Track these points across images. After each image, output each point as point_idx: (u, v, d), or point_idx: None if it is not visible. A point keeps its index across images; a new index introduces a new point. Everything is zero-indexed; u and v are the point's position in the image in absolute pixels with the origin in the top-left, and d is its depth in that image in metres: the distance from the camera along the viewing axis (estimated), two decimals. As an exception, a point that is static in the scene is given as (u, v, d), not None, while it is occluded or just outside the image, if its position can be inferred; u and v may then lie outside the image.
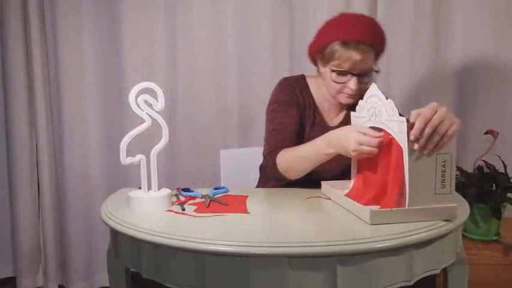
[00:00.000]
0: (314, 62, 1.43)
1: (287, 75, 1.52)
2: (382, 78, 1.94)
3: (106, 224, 1.15)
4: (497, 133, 1.74)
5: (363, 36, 1.28)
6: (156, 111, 1.21)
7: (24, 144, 2.03)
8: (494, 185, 1.63)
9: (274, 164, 1.33)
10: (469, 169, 1.72)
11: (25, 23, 1.96)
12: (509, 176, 1.64)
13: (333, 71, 1.32)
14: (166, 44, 1.96)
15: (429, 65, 1.92)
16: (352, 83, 1.31)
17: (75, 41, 1.96)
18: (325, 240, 0.95)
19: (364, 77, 1.32)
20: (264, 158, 1.40)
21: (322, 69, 1.39)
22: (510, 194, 1.61)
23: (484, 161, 1.70)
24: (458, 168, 1.74)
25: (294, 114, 1.41)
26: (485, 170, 1.67)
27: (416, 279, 1.02)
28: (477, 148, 1.78)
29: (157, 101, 1.21)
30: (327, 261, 0.95)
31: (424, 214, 1.04)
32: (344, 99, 1.37)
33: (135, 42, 1.96)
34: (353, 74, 1.30)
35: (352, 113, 1.24)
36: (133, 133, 1.20)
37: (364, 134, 1.11)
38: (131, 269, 1.18)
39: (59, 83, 1.99)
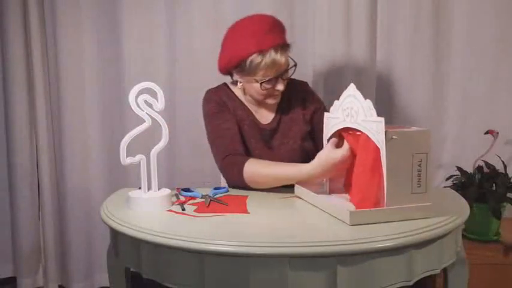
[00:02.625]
0: (227, 73, 1.45)
1: None
2: (383, 78, 1.94)
3: (106, 224, 1.15)
4: (497, 133, 1.74)
5: (277, 39, 1.31)
6: (156, 111, 1.21)
7: (24, 144, 2.03)
8: (494, 185, 1.63)
9: (240, 173, 1.31)
10: (469, 169, 1.72)
11: (25, 23, 1.96)
12: (509, 176, 1.65)
13: (260, 82, 1.34)
14: (166, 44, 1.96)
15: (429, 65, 1.92)
16: (279, 85, 1.35)
17: (75, 40, 1.96)
18: (325, 240, 0.95)
19: (287, 73, 1.36)
20: (221, 165, 1.38)
21: (241, 79, 1.39)
22: (510, 194, 1.61)
23: (484, 161, 1.70)
24: (458, 169, 1.74)
25: (229, 117, 1.43)
26: (485, 170, 1.67)
27: (416, 279, 1.02)
28: (477, 148, 1.78)
29: (157, 101, 1.21)
30: (327, 261, 0.95)
31: (402, 213, 1.05)
32: (272, 100, 1.41)
33: (135, 42, 1.96)
34: (283, 78, 1.34)
35: (326, 115, 1.25)
36: (133, 133, 1.20)
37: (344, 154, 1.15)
38: (131, 269, 1.18)
39: (59, 83, 1.98)
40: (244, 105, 1.48)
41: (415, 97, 1.93)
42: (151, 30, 1.96)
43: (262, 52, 1.30)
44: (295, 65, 1.37)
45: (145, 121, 1.20)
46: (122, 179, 1.96)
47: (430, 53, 1.90)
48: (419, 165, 1.06)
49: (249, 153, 1.42)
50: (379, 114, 1.05)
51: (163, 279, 1.04)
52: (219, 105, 1.45)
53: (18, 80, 1.98)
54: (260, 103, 1.47)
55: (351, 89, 1.14)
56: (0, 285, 2.13)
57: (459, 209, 1.14)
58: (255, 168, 1.30)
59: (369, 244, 0.95)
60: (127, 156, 1.20)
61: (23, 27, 1.96)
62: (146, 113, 1.20)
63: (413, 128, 1.11)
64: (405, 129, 1.08)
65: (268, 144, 1.46)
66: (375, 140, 1.05)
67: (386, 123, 1.03)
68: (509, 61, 1.89)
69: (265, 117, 1.49)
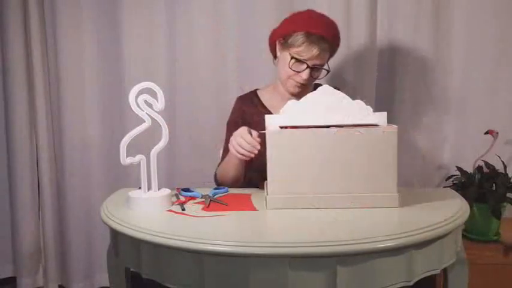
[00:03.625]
0: (273, 47, 1.52)
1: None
2: (384, 78, 1.94)
3: (106, 224, 1.15)
4: (497, 133, 1.74)
5: (326, 33, 1.40)
6: (156, 111, 1.21)
7: (24, 144, 2.03)
8: (494, 185, 1.63)
9: (216, 180, 1.52)
10: (469, 169, 1.72)
11: (25, 23, 1.96)
12: (509, 176, 1.64)
13: (292, 57, 1.41)
14: (166, 44, 1.96)
15: (429, 65, 1.92)
16: (305, 73, 1.41)
17: (75, 40, 1.95)
18: (325, 240, 0.95)
19: (316, 71, 1.44)
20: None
21: (279, 54, 1.47)
22: (510, 194, 1.61)
23: (484, 161, 1.70)
24: (458, 169, 1.74)
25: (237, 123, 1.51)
26: (485, 170, 1.67)
27: (416, 279, 1.02)
28: (477, 148, 1.78)
29: (157, 101, 1.21)
30: (327, 261, 0.95)
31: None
32: (293, 87, 1.47)
33: (135, 42, 1.96)
34: (308, 66, 1.40)
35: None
36: (133, 133, 1.20)
37: (244, 138, 1.24)
38: (131, 269, 1.18)
39: (59, 83, 1.98)
40: (267, 110, 1.53)
41: (416, 96, 1.93)
42: (151, 30, 1.96)
43: (308, 33, 1.38)
44: (328, 72, 1.46)
45: (145, 121, 1.21)
46: (122, 179, 1.96)
47: (430, 53, 1.90)
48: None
49: (263, 158, 1.46)
50: (380, 109, 1.09)
51: (163, 279, 1.04)
52: (237, 118, 1.55)
53: (18, 80, 1.98)
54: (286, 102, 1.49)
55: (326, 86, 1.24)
56: (0, 285, 2.13)
57: (459, 209, 1.14)
58: (218, 172, 1.51)
59: (369, 244, 0.95)
60: (127, 156, 1.20)
61: (23, 27, 1.96)
62: (146, 113, 1.20)
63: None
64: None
65: None
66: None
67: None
68: (509, 61, 1.88)
69: None
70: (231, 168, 1.43)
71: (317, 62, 1.41)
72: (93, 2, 1.94)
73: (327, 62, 1.46)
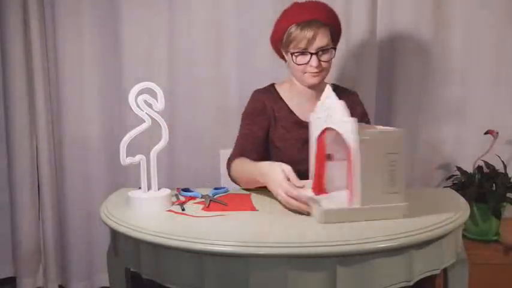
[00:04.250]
0: (279, 54, 1.51)
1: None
2: (384, 77, 1.94)
3: (106, 224, 1.15)
4: (497, 133, 1.74)
5: (314, 15, 1.39)
6: (156, 111, 1.21)
7: (24, 144, 2.03)
8: (494, 185, 1.63)
9: (229, 171, 1.44)
10: (469, 169, 1.72)
11: (25, 23, 1.96)
12: (509, 176, 1.65)
13: (293, 53, 1.40)
14: (167, 44, 1.96)
15: (429, 65, 1.92)
16: (313, 60, 1.39)
17: (75, 40, 1.95)
18: (325, 240, 0.95)
19: (322, 54, 1.40)
20: (226, 163, 1.48)
21: (286, 57, 1.46)
22: (510, 194, 1.61)
23: (484, 161, 1.70)
24: (458, 169, 1.74)
25: (260, 121, 1.49)
26: (485, 170, 1.67)
27: (416, 279, 1.02)
28: (477, 148, 1.78)
29: (157, 101, 1.21)
30: (327, 261, 0.95)
31: (374, 213, 1.07)
32: (310, 79, 1.44)
33: (135, 42, 1.96)
34: (311, 53, 1.38)
35: (311, 116, 1.27)
36: (133, 133, 1.20)
37: (288, 192, 1.13)
38: (131, 269, 1.18)
39: (59, 83, 1.98)
40: (286, 105, 1.51)
41: (416, 96, 1.93)
42: (151, 30, 1.96)
43: (297, 24, 1.38)
44: (334, 49, 1.43)
45: (145, 121, 1.21)
46: (122, 179, 1.96)
47: (430, 52, 1.90)
48: (393, 166, 1.08)
49: (282, 154, 1.47)
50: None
51: (163, 279, 1.04)
52: (257, 107, 1.51)
53: (18, 81, 1.98)
54: (303, 99, 1.50)
55: (328, 90, 1.18)
56: (0, 285, 2.13)
57: (459, 209, 1.14)
58: (235, 164, 1.41)
59: (369, 244, 0.95)
60: (127, 156, 1.20)
61: (23, 27, 1.96)
62: (146, 113, 1.20)
63: (387, 128, 1.14)
64: (378, 129, 1.12)
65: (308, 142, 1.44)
66: (348, 140, 1.08)
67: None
68: (510, 61, 1.88)
69: (310, 113, 1.46)
70: (251, 180, 1.33)
71: (319, 44, 1.38)
72: (93, 2, 1.94)
73: (333, 42, 1.43)
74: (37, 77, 1.98)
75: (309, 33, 1.36)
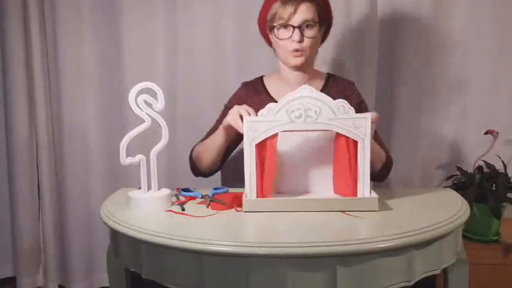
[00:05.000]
0: (267, 39, 1.48)
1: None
2: (385, 77, 1.94)
3: (106, 224, 1.15)
4: (497, 133, 1.74)
5: None
6: (156, 111, 1.21)
7: (24, 144, 2.03)
8: (494, 185, 1.63)
9: (190, 157, 1.48)
10: (469, 169, 1.72)
11: (25, 23, 1.95)
12: (509, 176, 1.64)
13: (275, 27, 1.37)
14: (167, 43, 1.96)
15: (429, 65, 1.92)
16: (295, 35, 1.34)
17: (75, 41, 1.95)
18: (325, 240, 0.95)
19: (306, 29, 1.35)
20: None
21: (272, 39, 1.43)
22: (510, 194, 1.61)
23: (484, 161, 1.70)
24: (458, 169, 1.74)
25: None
26: (485, 170, 1.67)
27: (416, 279, 1.02)
28: (477, 148, 1.78)
29: (157, 101, 1.21)
30: (327, 261, 0.95)
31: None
32: (293, 58, 1.38)
33: (135, 42, 1.96)
34: (293, 27, 1.33)
35: (246, 118, 1.19)
36: (133, 133, 1.20)
37: (247, 110, 1.23)
38: (131, 269, 1.18)
39: (59, 82, 1.98)
40: (271, 98, 1.47)
41: (416, 96, 1.93)
42: (151, 30, 1.96)
43: (281, 1, 1.34)
44: (321, 26, 1.38)
45: (145, 121, 1.21)
46: (122, 179, 1.96)
47: (430, 52, 1.90)
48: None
49: None
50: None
51: (163, 279, 1.04)
52: (236, 102, 1.46)
53: (18, 80, 1.98)
54: (292, 85, 1.43)
55: (306, 91, 1.15)
56: (0, 285, 2.13)
57: (459, 209, 1.14)
58: (196, 148, 1.47)
59: (369, 244, 0.95)
60: (127, 156, 1.20)
61: (23, 27, 1.96)
62: (146, 113, 1.21)
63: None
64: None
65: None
66: (352, 135, 1.14)
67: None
68: (510, 61, 1.88)
69: None
70: (214, 146, 1.39)
71: (302, 17, 1.33)
72: (93, 2, 1.94)
73: (320, 19, 1.38)
74: (37, 77, 1.98)
75: (291, 7, 1.32)
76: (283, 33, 1.36)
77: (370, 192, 1.17)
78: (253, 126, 1.18)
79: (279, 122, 1.16)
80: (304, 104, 1.15)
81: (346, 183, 1.18)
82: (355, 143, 1.15)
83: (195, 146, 1.50)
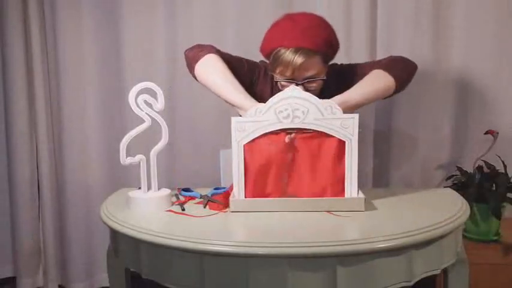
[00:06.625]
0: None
1: None
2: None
3: (106, 224, 1.15)
4: (497, 133, 1.74)
5: (305, 42, 1.24)
6: (156, 111, 1.21)
7: (24, 143, 2.03)
8: (494, 185, 1.63)
9: (198, 55, 1.37)
10: (469, 169, 1.72)
11: (25, 23, 1.96)
12: (509, 176, 1.64)
13: (275, 80, 1.34)
14: (167, 43, 1.96)
15: (429, 64, 1.92)
16: (298, 88, 1.25)
17: (75, 40, 1.95)
18: (325, 240, 0.95)
19: (309, 83, 1.29)
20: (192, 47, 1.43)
21: (272, 72, 1.37)
22: (510, 194, 1.60)
23: (484, 161, 1.70)
24: (458, 169, 1.74)
25: (243, 69, 1.42)
26: (485, 170, 1.67)
27: (416, 279, 1.02)
28: (477, 148, 1.78)
29: (157, 101, 1.21)
30: (327, 261, 0.95)
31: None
32: None
33: (135, 42, 1.96)
34: (297, 84, 1.27)
35: (234, 119, 1.19)
36: (133, 133, 1.20)
37: None
38: (131, 269, 1.18)
39: (59, 82, 1.98)
40: (271, 88, 1.44)
41: (416, 96, 1.93)
42: (152, 30, 1.96)
43: (285, 47, 1.26)
44: (324, 80, 1.32)
45: (145, 121, 1.21)
46: (122, 179, 1.96)
47: (430, 52, 1.90)
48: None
49: None
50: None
51: (163, 279, 1.04)
52: (247, 62, 1.44)
53: (19, 80, 1.98)
54: None
55: (295, 92, 1.16)
56: (0, 285, 2.13)
57: (459, 209, 1.14)
58: (210, 59, 1.35)
59: (369, 244, 0.95)
60: (127, 156, 1.20)
61: (23, 27, 1.96)
62: (146, 113, 1.21)
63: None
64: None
65: None
66: (340, 135, 1.15)
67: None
68: (510, 61, 1.88)
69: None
70: (215, 86, 1.32)
71: (305, 74, 1.27)
72: (93, 2, 1.94)
73: (325, 65, 1.32)
74: (37, 77, 1.98)
75: (296, 61, 1.24)
76: (286, 85, 1.30)
77: (358, 193, 1.17)
78: (241, 126, 1.18)
79: (267, 122, 1.17)
80: (292, 104, 1.15)
81: (333, 183, 1.18)
82: (343, 143, 1.16)
83: (204, 53, 1.37)
